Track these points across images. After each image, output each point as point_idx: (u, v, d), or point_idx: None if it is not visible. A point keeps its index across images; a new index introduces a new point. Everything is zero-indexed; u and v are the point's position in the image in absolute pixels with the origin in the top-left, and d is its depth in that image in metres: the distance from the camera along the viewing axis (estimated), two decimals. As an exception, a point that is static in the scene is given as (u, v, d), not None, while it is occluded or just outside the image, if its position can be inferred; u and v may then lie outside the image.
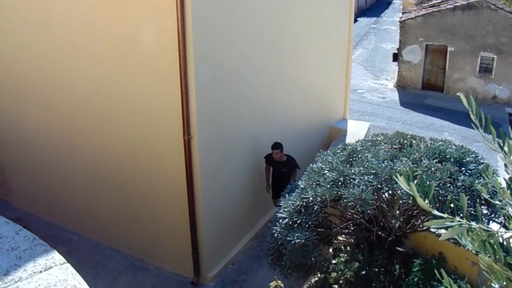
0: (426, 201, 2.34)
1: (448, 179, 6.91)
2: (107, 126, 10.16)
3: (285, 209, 7.32)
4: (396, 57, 27.84)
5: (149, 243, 10.65)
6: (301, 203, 7.20)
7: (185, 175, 9.22)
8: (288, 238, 7.02)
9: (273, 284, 5.60)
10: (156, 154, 9.66)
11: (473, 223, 2.39)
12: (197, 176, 9.26)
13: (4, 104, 12.00)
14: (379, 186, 6.93)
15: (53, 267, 3.98)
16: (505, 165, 2.93)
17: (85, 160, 10.86)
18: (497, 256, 2.47)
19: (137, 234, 10.74)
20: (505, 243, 2.55)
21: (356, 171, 7.18)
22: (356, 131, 14.46)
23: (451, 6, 25.00)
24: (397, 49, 27.81)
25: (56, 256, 4.10)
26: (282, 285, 5.62)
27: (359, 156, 7.71)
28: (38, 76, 10.90)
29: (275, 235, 7.32)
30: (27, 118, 11.59)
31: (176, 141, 9.06)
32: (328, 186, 7.08)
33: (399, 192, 6.81)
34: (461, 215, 2.38)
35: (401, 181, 2.16)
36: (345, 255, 7.65)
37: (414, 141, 8.22)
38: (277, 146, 10.87)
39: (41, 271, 3.94)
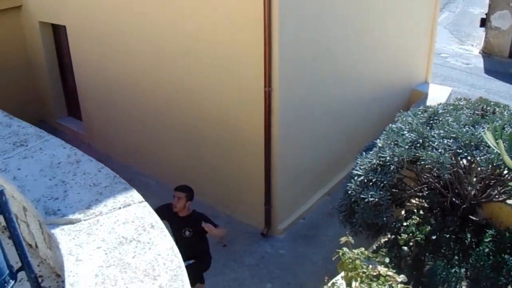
0: None
1: (532, 150, 6.72)
2: (189, 73, 10.28)
3: (361, 167, 7.29)
4: (483, 22, 26.86)
5: (223, 191, 10.82)
6: (377, 162, 7.15)
7: (264, 127, 9.28)
8: (362, 196, 7.00)
9: (343, 239, 5.62)
10: (237, 104, 9.73)
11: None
12: (275, 129, 9.30)
13: (88, 50, 12.31)
14: (458, 151, 6.80)
15: (131, 205, 4.11)
16: None
17: (165, 106, 11.07)
18: None
19: (211, 182, 10.92)
20: None
21: (436, 134, 7.06)
22: (437, 95, 14.17)
23: (549, -31, 23.86)
24: (486, 14, 26.83)
25: (135, 195, 4.23)
26: (352, 241, 5.64)
27: (440, 119, 7.56)
28: (122, 23, 11.12)
29: (349, 192, 7.32)
30: (110, 63, 11.87)
31: (257, 92, 9.10)
32: (406, 147, 6.99)
33: (478, 159, 6.67)
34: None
35: (489, 138, 2.12)
36: (418, 218, 7.58)
37: (497, 109, 7.99)
38: (182, 188, 7.71)
39: (120, 208, 4.08)
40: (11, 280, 3.70)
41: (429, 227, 7.32)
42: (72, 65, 13.23)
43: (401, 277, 5.42)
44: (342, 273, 5.62)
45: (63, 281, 4.49)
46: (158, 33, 10.50)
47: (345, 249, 5.52)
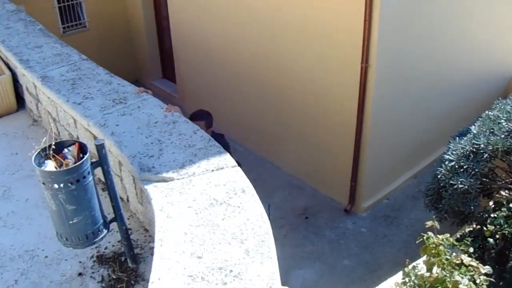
0: None
1: None
2: (286, 43, 10.27)
3: (454, 152, 7.16)
4: None
5: (310, 164, 10.84)
6: (471, 148, 6.99)
7: (357, 103, 9.21)
8: (451, 182, 6.89)
9: (429, 223, 5.55)
10: (332, 77, 9.66)
11: None
12: (369, 106, 9.21)
13: (186, 14, 12.48)
14: (558, 145, 6.58)
15: (224, 168, 4.18)
16: None
17: (259, 74, 11.13)
18: None
19: (299, 153, 10.97)
20: None
21: (535, 125, 6.84)
22: (538, 85, 13.62)
23: None
24: None
25: (228, 159, 4.30)
26: (438, 226, 5.56)
27: (542, 110, 7.31)
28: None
29: (439, 176, 7.20)
30: (207, 28, 12.01)
31: (353, 68, 9.02)
32: (503, 136, 6.81)
33: None
34: None
35: None
36: (506, 211, 7.39)
37: None
38: (199, 116, 6.76)
39: (213, 170, 4.16)
40: (104, 230, 3.87)
41: (518, 221, 7.12)
42: (170, 28, 13.46)
43: (486, 268, 5.30)
44: (424, 258, 5.56)
45: (150, 236, 4.65)
46: (258, 1, 10.52)
47: (429, 233, 5.46)
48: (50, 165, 3.65)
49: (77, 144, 3.77)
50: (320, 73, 9.83)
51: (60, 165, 3.68)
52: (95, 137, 5.08)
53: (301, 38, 9.91)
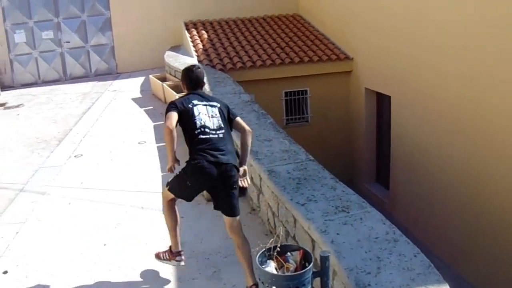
0: None
1: None
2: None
3: None
4: None
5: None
6: None
7: None
8: None
9: None
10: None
11: None
12: None
13: (410, 123, 12.45)
14: None
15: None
16: None
17: (477, 194, 10.62)
18: None
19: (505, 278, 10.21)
20: None
21: None
22: None
23: None
24: None
25: (446, 290, 4.14)
26: None
27: None
28: (449, 102, 11.06)
29: None
30: (431, 141, 11.85)
31: None
32: None
33: None
34: None
35: None
36: None
37: None
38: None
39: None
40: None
41: None
42: (390, 134, 13.52)
43: None
44: None
45: None
46: (485, 114, 10.16)
47: None
48: (271, 266, 3.76)
49: (301, 251, 3.85)
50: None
51: (280, 267, 3.77)
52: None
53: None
